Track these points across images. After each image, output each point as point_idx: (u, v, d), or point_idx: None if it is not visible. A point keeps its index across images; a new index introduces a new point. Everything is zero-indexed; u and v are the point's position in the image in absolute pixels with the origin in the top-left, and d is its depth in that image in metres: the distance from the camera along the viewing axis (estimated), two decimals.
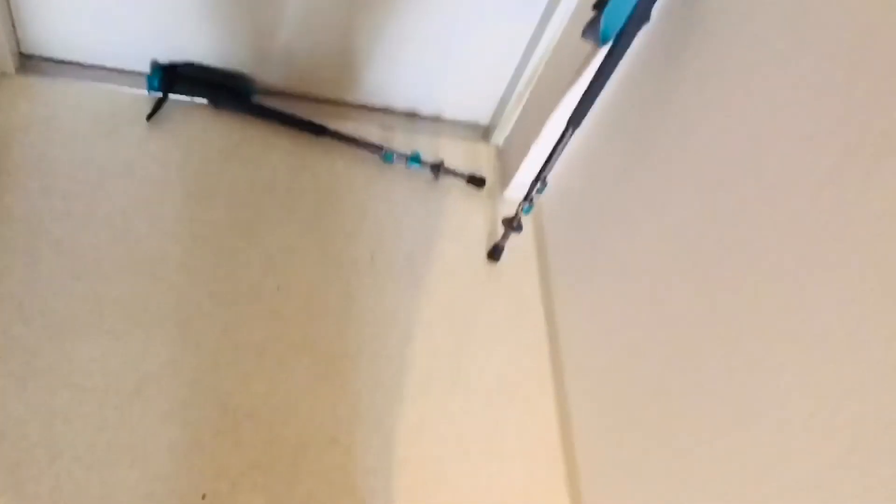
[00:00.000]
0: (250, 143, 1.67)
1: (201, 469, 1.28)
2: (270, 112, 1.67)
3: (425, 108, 1.83)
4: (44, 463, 1.21)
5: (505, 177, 1.79)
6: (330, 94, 1.77)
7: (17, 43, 1.56)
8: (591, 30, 1.25)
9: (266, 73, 1.70)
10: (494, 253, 1.67)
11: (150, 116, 1.59)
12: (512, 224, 1.59)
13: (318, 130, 1.69)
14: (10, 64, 1.54)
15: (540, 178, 1.50)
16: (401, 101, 1.80)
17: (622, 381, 1.33)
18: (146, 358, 1.35)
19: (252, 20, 1.56)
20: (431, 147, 1.81)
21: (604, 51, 1.30)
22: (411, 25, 1.59)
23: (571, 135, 1.41)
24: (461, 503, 1.38)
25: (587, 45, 1.33)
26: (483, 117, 1.87)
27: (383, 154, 1.70)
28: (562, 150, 1.43)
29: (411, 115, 1.84)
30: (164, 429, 1.29)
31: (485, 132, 1.89)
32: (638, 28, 1.26)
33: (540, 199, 1.57)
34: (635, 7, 1.23)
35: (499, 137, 1.85)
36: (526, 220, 1.61)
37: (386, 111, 1.82)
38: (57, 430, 1.24)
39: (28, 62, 1.60)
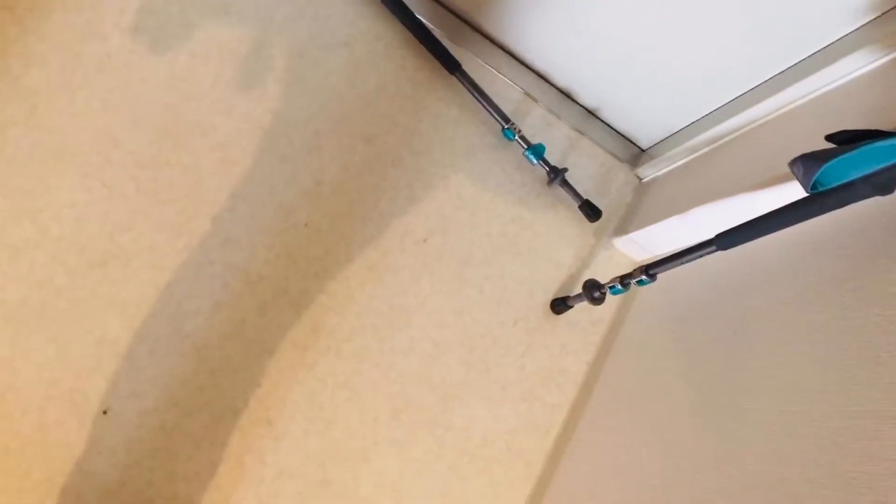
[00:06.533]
0: (373, 41, 1.38)
1: None
2: (408, 16, 1.37)
3: (584, 97, 1.47)
4: None
5: (627, 221, 1.45)
6: (492, 31, 1.43)
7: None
8: (802, 165, 0.87)
9: None
10: (558, 306, 1.38)
11: None
12: (592, 294, 1.27)
13: (451, 66, 1.38)
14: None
15: (650, 271, 1.17)
16: (563, 76, 1.44)
17: None
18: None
19: None
20: (567, 142, 1.48)
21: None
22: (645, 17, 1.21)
23: (711, 253, 1.06)
24: None
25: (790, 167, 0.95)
26: (643, 139, 1.50)
27: (505, 129, 1.38)
28: (690, 261, 1.09)
29: (565, 95, 1.49)
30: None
31: (635, 158, 1.52)
32: (867, 194, 0.88)
33: (639, 289, 1.24)
34: (876, 173, 0.84)
35: (648, 171, 1.48)
36: (611, 299, 1.30)
37: (541, 76, 1.47)
38: None
39: None
